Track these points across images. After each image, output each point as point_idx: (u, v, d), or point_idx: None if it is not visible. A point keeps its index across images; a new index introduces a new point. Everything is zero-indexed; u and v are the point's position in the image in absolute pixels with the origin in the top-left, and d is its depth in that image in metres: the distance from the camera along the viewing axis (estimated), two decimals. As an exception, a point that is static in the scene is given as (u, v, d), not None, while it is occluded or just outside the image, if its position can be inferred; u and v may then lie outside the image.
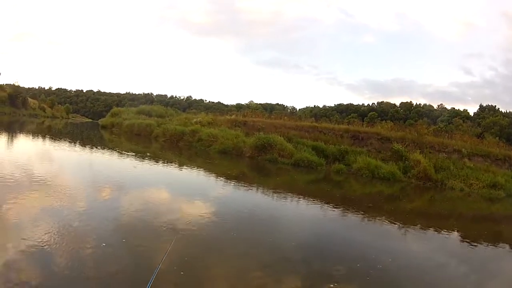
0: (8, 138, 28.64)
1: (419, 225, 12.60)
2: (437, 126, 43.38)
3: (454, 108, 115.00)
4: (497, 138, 34.68)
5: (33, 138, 31.83)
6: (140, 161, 21.87)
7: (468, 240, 11.35)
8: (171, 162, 22.26)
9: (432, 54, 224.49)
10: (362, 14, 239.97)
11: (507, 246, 11.35)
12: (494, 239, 11.81)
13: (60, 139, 33.50)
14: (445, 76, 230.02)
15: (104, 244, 6.89)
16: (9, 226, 7.44)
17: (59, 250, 6.36)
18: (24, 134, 35.05)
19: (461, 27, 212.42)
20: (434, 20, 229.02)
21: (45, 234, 6.92)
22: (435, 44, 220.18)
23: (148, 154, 25.88)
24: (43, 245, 6.45)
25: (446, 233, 12.01)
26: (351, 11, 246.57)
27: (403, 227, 11.94)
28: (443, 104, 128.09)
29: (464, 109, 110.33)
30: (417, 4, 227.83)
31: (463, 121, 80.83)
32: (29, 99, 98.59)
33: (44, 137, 34.14)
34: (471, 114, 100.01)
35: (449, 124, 70.30)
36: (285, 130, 31.00)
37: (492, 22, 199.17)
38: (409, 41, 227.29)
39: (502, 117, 69.04)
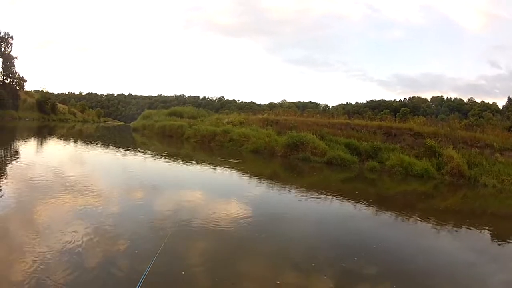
0: (38, 143, 29.38)
1: (452, 224, 12.60)
2: (468, 120, 42.61)
3: (483, 102, 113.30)
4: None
5: (64, 142, 32.63)
6: (172, 162, 22.41)
7: (499, 238, 11.34)
8: (202, 163, 22.72)
9: (460, 47, 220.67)
10: (388, 9, 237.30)
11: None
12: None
13: (92, 142, 34.34)
14: (473, 69, 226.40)
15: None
16: (47, 227, 7.81)
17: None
18: (55, 139, 36.11)
19: (485, 18, 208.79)
20: (459, 12, 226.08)
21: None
22: (462, 36, 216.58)
23: (180, 155, 26.37)
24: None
25: (478, 231, 12.02)
26: (378, 6, 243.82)
27: (436, 226, 11.92)
28: (473, 97, 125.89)
29: (494, 102, 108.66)
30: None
31: (493, 114, 79.49)
32: (59, 105, 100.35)
33: (75, 140, 35.03)
34: (501, 107, 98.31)
35: (479, 118, 69.09)
36: (318, 128, 30.96)
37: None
38: (436, 34, 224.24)
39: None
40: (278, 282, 6.27)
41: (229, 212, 10.58)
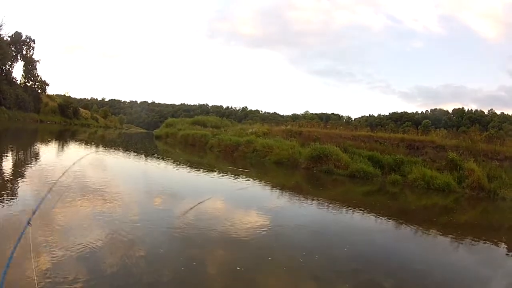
0: (59, 146, 30.27)
1: (470, 238, 12.79)
2: (489, 132, 42.63)
3: (503, 113, 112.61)
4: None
5: (85, 147, 33.52)
6: (195, 171, 23.13)
7: None
8: (226, 173, 23.14)
9: (479, 57, 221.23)
10: (408, 19, 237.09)
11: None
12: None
13: (113, 148, 35.08)
14: (493, 79, 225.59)
15: (161, 251, 7.55)
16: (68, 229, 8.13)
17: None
18: (76, 143, 37.03)
19: (504, 28, 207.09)
20: (477, 22, 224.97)
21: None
22: (481, 46, 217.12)
23: (203, 164, 26.91)
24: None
25: (497, 246, 12.25)
26: (398, 17, 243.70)
27: (454, 240, 12.22)
28: (493, 109, 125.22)
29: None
30: (461, 6, 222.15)
31: (512, 126, 78.96)
32: (81, 109, 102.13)
33: (97, 146, 35.96)
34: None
35: (499, 130, 68.65)
36: (341, 140, 31.44)
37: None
38: (456, 44, 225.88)
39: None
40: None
41: (248, 222, 10.86)
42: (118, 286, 5.80)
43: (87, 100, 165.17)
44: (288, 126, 42.39)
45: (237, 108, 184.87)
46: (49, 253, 6.52)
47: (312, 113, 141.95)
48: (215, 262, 7.59)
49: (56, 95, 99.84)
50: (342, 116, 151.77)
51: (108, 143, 41.89)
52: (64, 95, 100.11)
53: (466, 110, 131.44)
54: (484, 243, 12.29)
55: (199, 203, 12.45)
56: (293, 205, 15.63)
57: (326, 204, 16.17)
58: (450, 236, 12.61)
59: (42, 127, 59.30)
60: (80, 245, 7.08)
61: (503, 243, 12.77)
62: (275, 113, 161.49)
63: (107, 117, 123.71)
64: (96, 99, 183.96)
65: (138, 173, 20.73)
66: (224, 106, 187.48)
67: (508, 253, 11.78)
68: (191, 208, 11.63)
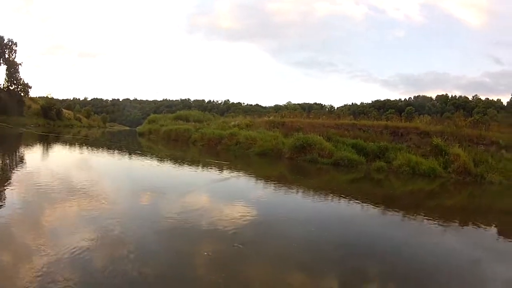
0: (44, 148, 29.62)
1: (458, 221, 12.72)
2: (473, 118, 42.66)
3: (488, 99, 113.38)
4: (532, 126, 33.59)
5: (69, 148, 32.90)
6: (178, 166, 22.71)
7: (507, 236, 11.37)
8: (209, 166, 22.53)
9: (462, 45, 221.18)
10: (390, 9, 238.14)
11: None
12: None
13: (97, 147, 34.44)
14: (477, 66, 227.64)
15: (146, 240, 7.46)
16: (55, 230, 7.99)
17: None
18: (60, 144, 36.34)
19: (487, 15, 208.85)
20: (460, 9, 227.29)
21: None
22: (464, 34, 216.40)
23: (186, 159, 26.53)
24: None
25: (485, 229, 12.01)
26: (380, 7, 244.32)
27: (443, 224, 12.01)
28: (478, 95, 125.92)
29: (498, 99, 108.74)
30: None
31: (497, 111, 79.41)
32: (64, 110, 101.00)
33: (80, 146, 35.29)
34: (504, 103, 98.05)
35: (484, 115, 68.95)
36: (324, 129, 30.95)
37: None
38: (438, 33, 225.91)
39: (535, 105, 67.38)
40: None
41: (235, 214, 10.55)
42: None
43: (70, 100, 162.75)
44: (271, 117, 41.83)
45: (219, 102, 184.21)
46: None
47: (295, 104, 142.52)
48: (200, 253, 7.35)
49: (39, 97, 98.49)
50: (324, 105, 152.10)
51: (91, 143, 41.18)
52: (47, 96, 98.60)
53: (450, 96, 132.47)
54: (473, 226, 12.12)
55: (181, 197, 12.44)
56: (279, 195, 15.26)
57: (311, 193, 15.86)
58: (438, 220, 12.31)
59: (26, 130, 58.24)
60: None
61: (493, 226, 12.61)
62: (257, 105, 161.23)
63: (90, 116, 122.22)
64: (79, 99, 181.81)
65: (121, 171, 20.17)
66: (206, 100, 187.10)
67: (499, 236, 11.49)
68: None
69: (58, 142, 38.92)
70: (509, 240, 11.11)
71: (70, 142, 39.34)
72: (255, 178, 19.95)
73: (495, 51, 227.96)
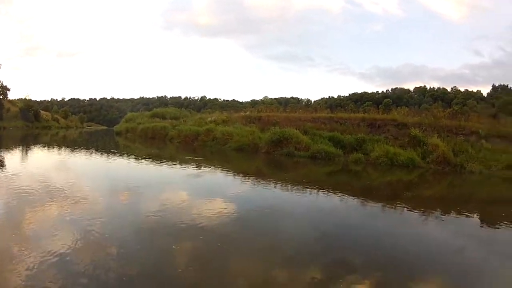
0: (23, 151, 28.82)
1: (438, 211, 12.41)
2: (452, 109, 42.74)
3: (467, 90, 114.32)
4: (512, 117, 33.67)
5: (48, 149, 32.14)
6: (154, 164, 22.04)
7: (489, 224, 11.18)
8: (186, 163, 21.98)
9: (441, 38, 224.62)
10: (367, 3, 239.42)
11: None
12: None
13: (75, 148, 33.70)
14: (456, 59, 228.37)
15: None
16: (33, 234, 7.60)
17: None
18: (38, 146, 35.32)
19: (467, 9, 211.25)
20: (439, 3, 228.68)
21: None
22: (443, 28, 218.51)
23: (162, 157, 26.05)
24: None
25: (467, 217, 11.72)
26: (357, 1, 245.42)
27: (423, 213, 11.78)
28: (457, 86, 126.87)
29: (478, 90, 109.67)
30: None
31: (477, 102, 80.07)
32: (42, 112, 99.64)
33: (59, 147, 34.48)
34: (485, 95, 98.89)
35: (463, 106, 69.37)
36: (301, 123, 30.74)
37: (497, 3, 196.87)
38: (417, 26, 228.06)
39: (515, 96, 67.71)
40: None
41: (215, 209, 10.29)
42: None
43: (48, 101, 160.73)
44: (247, 112, 41.62)
45: (196, 98, 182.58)
46: None
47: (271, 98, 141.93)
48: (181, 250, 7.31)
49: (17, 99, 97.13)
50: (301, 99, 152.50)
51: (69, 144, 40.38)
52: (25, 98, 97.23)
53: (428, 88, 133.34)
54: (454, 215, 11.91)
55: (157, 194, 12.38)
56: (256, 190, 14.93)
57: (289, 186, 15.55)
58: (418, 210, 12.09)
59: (5, 134, 57.37)
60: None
61: (474, 216, 12.27)
62: (234, 100, 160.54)
63: (67, 117, 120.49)
64: (56, 99, 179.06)
65: (97, 172, 19.46)
66: (183, 97, 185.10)
67: (480, 225, 11.23)
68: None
69: (37, 144, 38.09)
70: (490, 228, 10.82)
71: (49, 144, 38.53)
72: (232, 174, 19.46)
73: (476, 44, 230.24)
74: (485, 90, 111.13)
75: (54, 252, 6.39)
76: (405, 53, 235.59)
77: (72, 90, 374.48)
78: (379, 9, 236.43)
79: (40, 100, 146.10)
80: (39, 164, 20.47)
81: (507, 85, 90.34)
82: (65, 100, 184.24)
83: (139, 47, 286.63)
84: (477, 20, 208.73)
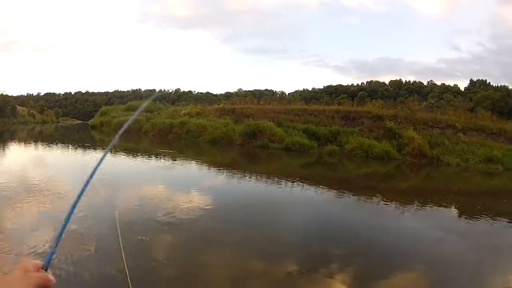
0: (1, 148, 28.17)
1: (415, 203, 12.29)
2: (428, 102, 42.92)
3: (444, 84, 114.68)
4: (490, 112, 34.04)
5: (24, 145, 31.33)
6: (129, 157, 21.46)
7: (467, 216, 11.00)
8: (160, 156, 21.61)
9: (418, 32, 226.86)
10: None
11: (506, 221, 10.68)
12: (494, 214, 11.09)
13: (51, 143, 32.98)
14: (433, 53, 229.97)
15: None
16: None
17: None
18: (15, 142, 34.45)
19: (445, 3, 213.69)
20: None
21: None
22: (420, 22, 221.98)
23: (135, 150, 25.49)
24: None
25: (444, 209, 11.68)
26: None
27: (399, 205, 11.65)
28: (433, 80, 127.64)
29: (455, 84, 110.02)
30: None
31: (454, 96, 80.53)
32: (18, 107, 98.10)
33: (35, 143, 33.67)
34: (462, 89, 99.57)
35: (440, 100, 69.76)
36: (275, 115, 30.53)
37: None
38: (393, 20, 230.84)
39: (493, 91, 68.24)
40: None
41: (190, 203, 10.00)
42: None
43: (24, 96, 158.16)
44: (221, 105, 41.07)
45: (170, 91, 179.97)
46: None
47: (246, 90, 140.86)
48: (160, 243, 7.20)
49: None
50: (275, 91, 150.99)
51: (45, 139, 39.62)
52: (1, 94, 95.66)
53: (404, 81, 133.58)
54: (431, 207, 11.77)
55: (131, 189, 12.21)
56: (231, 182, 14.62)
57: (264, 179, 15.26)
58: (394, 202, 11.96)
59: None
60: None
61: (450, 207, 12.26)
62: (208, 92, 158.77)
63: (43, 112, 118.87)
64: (32, 94, 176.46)
65: (71, 167, 18.83)
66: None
67: (456, 216, 11.19)
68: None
69: (15, 140, 37.29)
70: (466, 220, 10.67)
71: (25, 140, 37.75)
72: (206, 166, 18.94)
73: (453, 39, 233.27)
74: (463, 85, 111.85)
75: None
76: (381, 47, 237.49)
77: (48, 84, 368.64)
78: (355, 2, 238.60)
79: (17, 95, 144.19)
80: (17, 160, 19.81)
81: (485, 80, 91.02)
82: (41, 94, 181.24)
83: (114, 40, 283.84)
84: (456, 15, 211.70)
